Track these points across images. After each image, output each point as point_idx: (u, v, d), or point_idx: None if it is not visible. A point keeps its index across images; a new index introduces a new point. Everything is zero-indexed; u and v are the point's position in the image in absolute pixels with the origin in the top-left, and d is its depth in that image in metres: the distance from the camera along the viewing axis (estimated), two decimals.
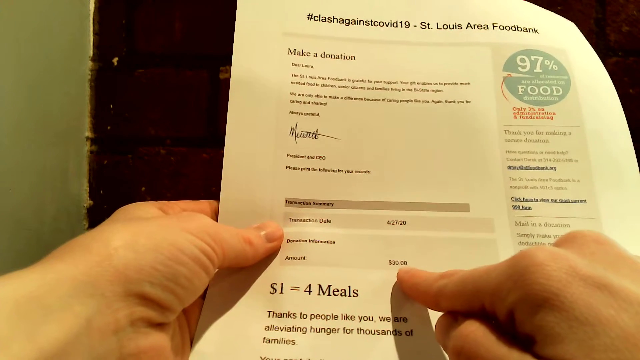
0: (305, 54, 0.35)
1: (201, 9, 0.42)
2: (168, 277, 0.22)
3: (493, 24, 0.36)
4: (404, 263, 0.30)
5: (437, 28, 0.36)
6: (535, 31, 0.36)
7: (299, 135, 0.33)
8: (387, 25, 0.36)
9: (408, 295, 0.28)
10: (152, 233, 0.23)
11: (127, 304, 0.21)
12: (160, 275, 0.22)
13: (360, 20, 0.36)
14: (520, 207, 0.31)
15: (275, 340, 0.27)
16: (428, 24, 0.36)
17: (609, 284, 0.17)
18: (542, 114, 0.33)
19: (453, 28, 0.36)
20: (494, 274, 0.20)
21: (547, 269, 0.17)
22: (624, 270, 0.18)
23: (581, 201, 0.31)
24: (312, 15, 0.36)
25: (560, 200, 0.31)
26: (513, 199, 0.31)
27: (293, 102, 0.33)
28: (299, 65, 0.34)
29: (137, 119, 0.41)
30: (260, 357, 0.26)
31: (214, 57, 0.41)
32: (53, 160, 0.38)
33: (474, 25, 0.36)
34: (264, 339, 0.27)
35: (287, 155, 0.32)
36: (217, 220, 0.31)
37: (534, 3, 0.41)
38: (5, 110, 0.32)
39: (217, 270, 0.26)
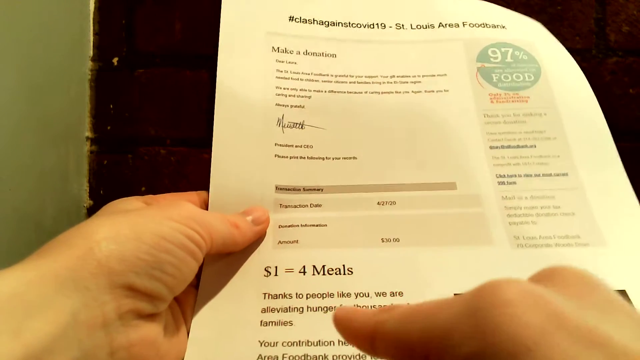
0: (288, 51, 0.36)
1: (201, 9, 0.42)
2: (153, 266, 0.22)
3: (463, 22, 0.38)
4: (397, 240, 0.30)
5: (412, 28, 0.38)
6: (503, 27, 0.38)
7: (286, 126, 0.34)
8: (364, 27, 0.38)
9: (343, 337, 0.20)
10: (134, 224, 0.22)
11: (113, 296, 0.20)
12: (144, 264, 0.21)
13: (339, 22, 0.38)
14: (505, 183, 0.32)
15: (272, 322, 0.27)
16: (402, 25, 0.38)
17: (606, 341, 0.12)
18: (517, 98, 0.35)
19: (426, 28, 0.38)
20: (446, 313, 0.14)
21: (520, 313, 0.12)
22: (621, 318, 0.13)
23: (563, 174, 0.33)
24: (293, 17, 0.37)
25: (543, 175, 0.33)
26: (498, 175, 0.33)
27: (279, 95, 0.34)
28: (282, 62, 0.36)
29: (137, 119, 0.41)
30: (259, 341, 0.26)
31: (214, 57, 0.41)
32: (53, 160, 0.38)
33: (446, 24, 0.38)
34: (261, 321, 0.27)
35: (275, 144, 0.33)
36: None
37: (534, 3, 0.41)
38: (6, 110, 0.32)
39: (205, 255, 0.25)
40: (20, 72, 0.34)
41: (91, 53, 0.42)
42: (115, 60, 0.42)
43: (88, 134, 0.42)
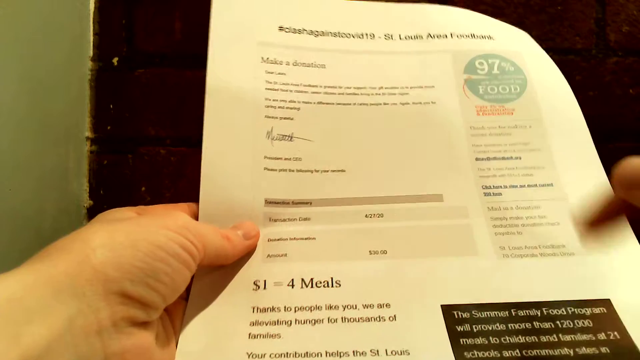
0: (278, 62, 0.36)
1: (201, 9, 0.42)
2: (148, 274, 0.22)
3: (451, 33, 0.39)
4: (384, 252, 0.30)
5: (400, 39, 0.39)
6: (490, 38, 0.39)
7: (275, 138, 0.34)
8: (353, 37, 0.38)
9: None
10: (130, 232, 0.23)
11: (108, 303, 0.21)
12: (139, 272, 0.22)
13: (328, 32, 0.38)
14: (492, 194, 0.33)
15: (260, 335, 0.27)
16: (391, 35, 0.39)
17: None
18: (503, 110, 0.36)
19: (415, 38, 0.39)
20: None
21: None
22: None
23: (548, 185, 0.33)
24: (283, 27, 0.38)
25: (529, 185, 0.33)
26: (484, 187, 0.33)
27: (268, 107, 0.34)
28: (272, 73, 0.36)
29: (137, 119, 0.41)
30: (247, 353, 0.26)
31: None
32: (53, 160, 0.38)
33: (434, 35, 0.39)
34: (250, 334, 0.27)
35: (265, 157, 0.33)
36: None
37: (534, 3, 0.41)
38: (6, 110, 0.32)
39: (197, 265, 0.26)
40: (21, 72, 0.34)
41: (91, 53, 0.42)
42: (115, 60, 0.42)
43: (88, 134, 0.42)
